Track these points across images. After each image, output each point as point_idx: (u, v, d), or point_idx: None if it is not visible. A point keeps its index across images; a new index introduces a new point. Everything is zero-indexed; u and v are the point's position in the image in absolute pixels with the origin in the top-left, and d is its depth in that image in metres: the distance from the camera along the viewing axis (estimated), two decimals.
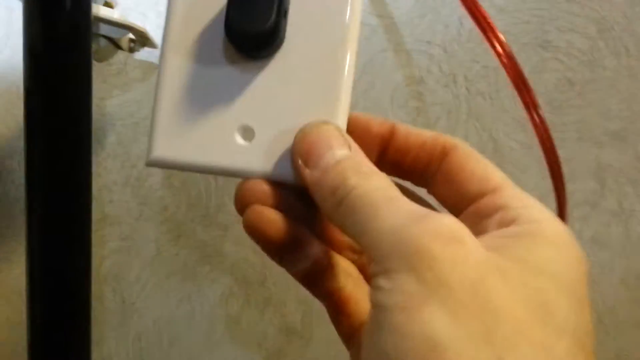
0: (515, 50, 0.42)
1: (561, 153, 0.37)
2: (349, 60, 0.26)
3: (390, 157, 0.26)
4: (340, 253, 0.27)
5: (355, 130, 0.25)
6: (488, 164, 0.24)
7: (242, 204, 0.25)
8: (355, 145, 0.23)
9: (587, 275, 0.20)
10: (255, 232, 0.25)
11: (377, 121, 0.26)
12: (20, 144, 0.52)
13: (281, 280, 0.47)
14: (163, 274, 0.48)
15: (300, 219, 0.25)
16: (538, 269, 0.19)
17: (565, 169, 0.37)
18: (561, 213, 0.39)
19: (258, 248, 0.24)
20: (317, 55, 0.26)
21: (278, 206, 0.25)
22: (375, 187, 0.21)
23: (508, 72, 0.36)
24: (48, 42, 0.37)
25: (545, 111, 0.41)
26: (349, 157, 0.22)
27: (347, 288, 0.25)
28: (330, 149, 0.23)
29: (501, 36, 0.36)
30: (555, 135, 0.38)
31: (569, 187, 0.38)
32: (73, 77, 0.39)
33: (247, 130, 0.26)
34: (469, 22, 0.41)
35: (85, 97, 0.40)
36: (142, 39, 0.43)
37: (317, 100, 0.26)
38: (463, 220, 0.20)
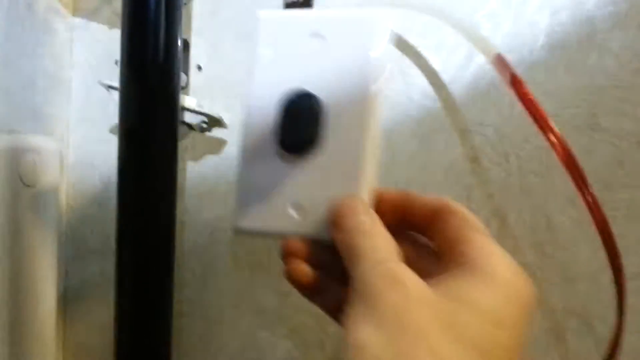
0: (565, 132, 0.44)
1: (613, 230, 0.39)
2: (370, 152, 0.36)
3: (406, 217, 0.34)
4: None
5: (384, 199, 0.35)
6: (470, 219, 0.31)
7: (284, 255, 0.35)
8: (372, 212, 0.33)
9: (523, 309, 0.26)
10: (293, 281, 0.35)
11: (396, 192, 0.35)
12: (92, 211, 0.55)
13: (339, 344, 0.49)
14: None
15: (330, 267, 0.34)
16: (460, 299, 0.26)
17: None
18: (619, 284, 0.41)
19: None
20: (345, 149, 0.36)
21: (310, 259, 0.35)
22: (369, 244, 0.30)
23: (560, 156, 0.38)
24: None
25: (595, 189, 0.43)
26: (361, 222, 0.32)
27: None
28: (354, 215, 0.32)
29: (552, 124, 0.38)
30: (606, 213, 0.40)
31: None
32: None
33: (297, 206, 0.37)
34: (519, 106, 0.44)
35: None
36: (214, 122, 0.46)
37: (346, 181, 0.36)
38: (446, 264, 0.29)
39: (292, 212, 0.37)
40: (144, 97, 0.41)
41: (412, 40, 0.46)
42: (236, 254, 0.51)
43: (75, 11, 0.53)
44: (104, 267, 0.56)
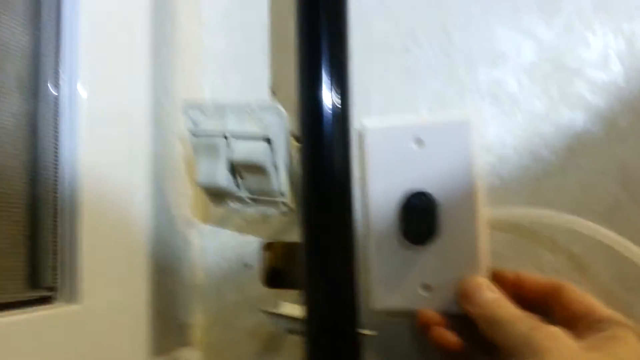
0: None
1: None
2: (484, 236, 0.43)
3: (520, 294, 0.41)
4: None
5: (496, 277, 0.43)
6: (587, 295, 0.40)
7: (423, 323, 0.43)
8: (496, 289, 0.40)
9: None
10: (439, 346, 0.41)
11: (508, 271, 0.43)
12: None
13: None
14: None
15: (464, 333, 0.42)
16: (611, 354, 0.33)
17: None
18: None
19: None
20: (462, 236, 0.43)
21: (447, 326, 0.42)
22: (512, 313, 0.37)
23: None
24: None
25: None
26: (495, 299, 0.39)
27: None
28: (483, 293, 0.40)
29: None
30: None
31: None
32: None
33: (426, 286, 0.44)
34: None
35: None
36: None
37: (468, 262, 0.43)
38: (578, 333, 0.36)
39: (421, 292, 0.44)
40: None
41: None
42: None
43: (206, 219, 0.57)
44: None
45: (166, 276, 0.51)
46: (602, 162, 0.47)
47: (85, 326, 0.38)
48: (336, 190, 0.36)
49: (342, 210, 0.36)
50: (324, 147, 0.36)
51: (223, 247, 0.57)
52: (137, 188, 0.44)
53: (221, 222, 0.57)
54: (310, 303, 0.36)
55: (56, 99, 0.40)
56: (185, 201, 0.55)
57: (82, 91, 0.40)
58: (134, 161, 0.44)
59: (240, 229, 0.56)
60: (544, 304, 0.42)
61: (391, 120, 0.50)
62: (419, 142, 0.46)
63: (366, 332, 0.44)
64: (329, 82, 0.37)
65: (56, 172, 0.39)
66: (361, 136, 0.50)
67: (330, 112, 0.36)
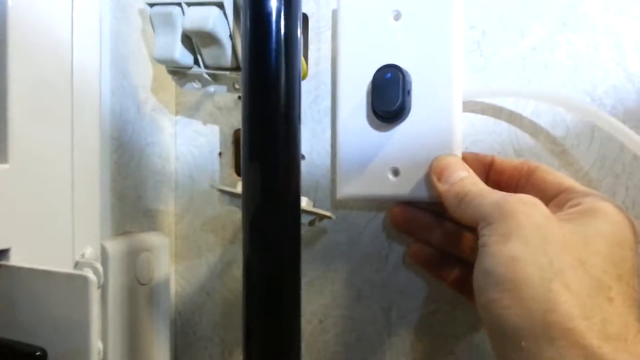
0: None
1: None
2: (458, 116, 0.40)
3: (493, 177, 0.40)
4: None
5: (470, 161, 0.40)
6: (561, 175, 0.38)
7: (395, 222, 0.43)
8: (470, 169, 0.37)
9: (629, 234, 0.32)
10: (417, 261, 0.43)
11: (483, 155, 0.41)
12: (200, 299, 0.56)
13: None
14: None
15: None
16: (586, 223, 0.31)
17: None
18: None
19: None
20: (436, 115, 0.40)
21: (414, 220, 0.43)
22: (483, 188, 0.35)
23: None
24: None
25: None
26: (467, 176, 0.36)
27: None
28: (455, 171, 0.37)
29: None
30: None
31: None
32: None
33: (395, 170, 0.41)
34: None
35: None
36: (322, 217, 0.45)
37: (440, 144, 0.40)
38: (552, 210, 0.33)
39: (390, 177, 0.41)
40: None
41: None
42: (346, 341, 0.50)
43: (178, 106, 0.55)
44: (212, 353, 0.56)
45: (131, 160, 0.49)
46: (596, 37, 0.42)
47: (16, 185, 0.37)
48: (278, 69, 0.32)
49: (284, 90, 0.32)
50: (264, 16, 0.32)
51: (195, 134, 0.55)
52: (89, 65, 0.42)
53: (193, 109, 0.54)
54: (246, 189, 0.33)
55: None
56: (156, 86, 0.52)
57: None
58: (85, 30, 0.42)
59: (213, 116, 0.54)
60: (516, 186, 0.39)
61: None
62: (397, 14, 0.43)
63: (323, 212, 0.42)
64: None
65: None
66: (335, 12, 0.46)
67: None
